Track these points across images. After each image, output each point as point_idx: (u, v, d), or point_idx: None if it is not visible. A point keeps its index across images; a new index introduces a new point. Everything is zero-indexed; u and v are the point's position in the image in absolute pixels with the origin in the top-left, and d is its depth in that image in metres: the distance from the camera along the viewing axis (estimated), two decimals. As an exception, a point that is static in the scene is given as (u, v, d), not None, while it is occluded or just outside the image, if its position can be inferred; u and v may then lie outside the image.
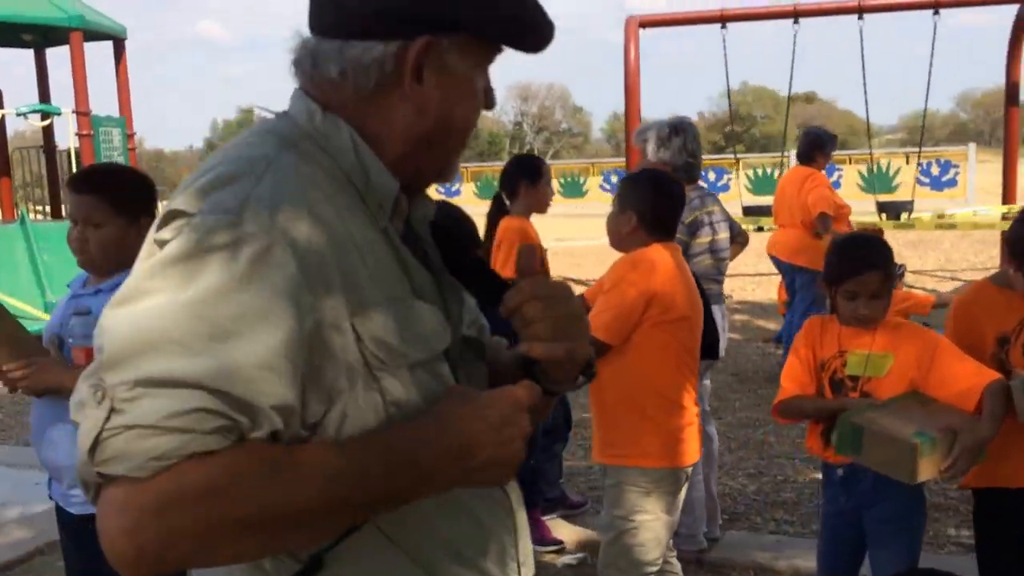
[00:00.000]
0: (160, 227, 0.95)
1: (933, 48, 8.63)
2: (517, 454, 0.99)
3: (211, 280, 0.88)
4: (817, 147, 6.51)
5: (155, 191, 2.52)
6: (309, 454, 0.91)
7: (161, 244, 0.93)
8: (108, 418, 0.84)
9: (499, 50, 1.10)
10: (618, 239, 2.77)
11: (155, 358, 0.85)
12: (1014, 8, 8.55)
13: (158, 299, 0.87)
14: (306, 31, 1.09)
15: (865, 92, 8.91)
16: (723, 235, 3.83)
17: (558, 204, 22.06)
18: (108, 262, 2.37)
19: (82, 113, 9.82)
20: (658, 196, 2.73)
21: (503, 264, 3.98)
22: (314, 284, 0.93)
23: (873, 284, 2.47)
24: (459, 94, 1.08)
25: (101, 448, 0.84)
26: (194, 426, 0.84)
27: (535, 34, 1.08)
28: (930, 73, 9.11)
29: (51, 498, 2.54)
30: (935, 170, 18.02)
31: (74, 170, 10.03)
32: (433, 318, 1.05)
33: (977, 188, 18.66)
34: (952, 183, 18.63)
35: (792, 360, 2.58)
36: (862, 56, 8.37)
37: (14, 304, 8.35)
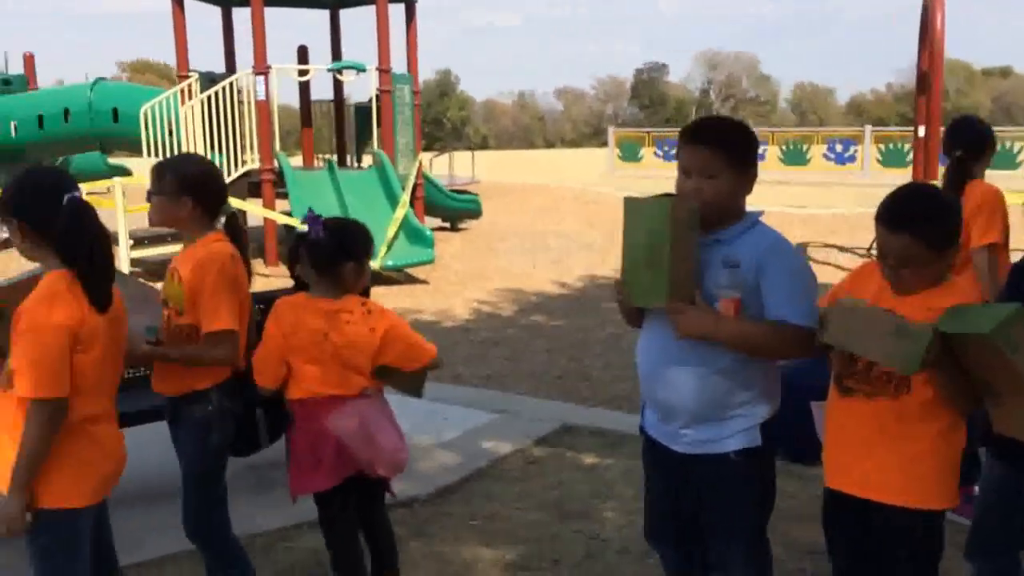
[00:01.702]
0: None
1: None
2: None
3: None
4: None
5: (758, 146, 2.61)
6: None
7: None
8: None
9: None
10: None
11: None
12: None
13: None
14: None
15: None
16: None
17: (780, 171, 21.67)
18: (723, 213, 2.44)
19: (384, 70, 10.40)
20: None
21: (983, 232, 3.92)
22: None
23: None
24: None
25: None
26: None
27: None
28: None
29: (642, 431, 2.67)
30: None
31: (373, 124, 10.67)
32: None
33: None
34: None
35: None
36: None
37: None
